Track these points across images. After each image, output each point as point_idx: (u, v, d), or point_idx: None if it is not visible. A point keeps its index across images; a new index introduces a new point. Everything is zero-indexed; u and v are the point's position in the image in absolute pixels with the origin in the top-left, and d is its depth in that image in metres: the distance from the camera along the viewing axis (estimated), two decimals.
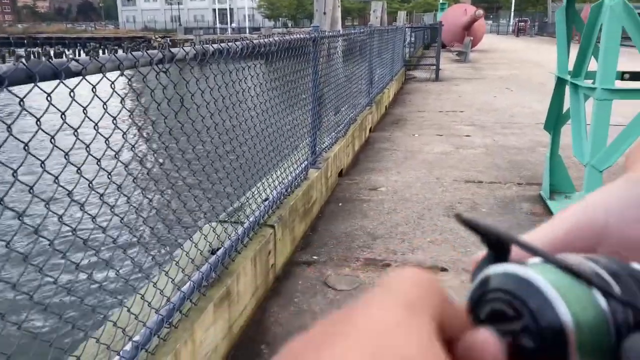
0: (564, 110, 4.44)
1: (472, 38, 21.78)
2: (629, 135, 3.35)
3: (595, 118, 3.36)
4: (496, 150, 6.48)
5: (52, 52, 46.18)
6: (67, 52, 45.26)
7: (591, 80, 3.70)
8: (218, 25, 65.84)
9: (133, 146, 1.73)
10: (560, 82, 4.30)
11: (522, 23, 56.08)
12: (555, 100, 4.41)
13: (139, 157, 1.76)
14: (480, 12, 22.58)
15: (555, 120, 4.46)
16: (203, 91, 2.26)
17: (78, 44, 52.15)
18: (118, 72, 1.59)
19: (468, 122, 8.25)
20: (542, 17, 60.30)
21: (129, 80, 1.66)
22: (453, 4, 34.52)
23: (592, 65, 3.77)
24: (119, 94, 1.66)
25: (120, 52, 1.55)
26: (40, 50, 47.42)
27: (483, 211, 4.39)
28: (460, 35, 22.68)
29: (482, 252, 0.28)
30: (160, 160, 1.93)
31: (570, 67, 4.03)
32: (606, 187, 0.33)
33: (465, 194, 4.82)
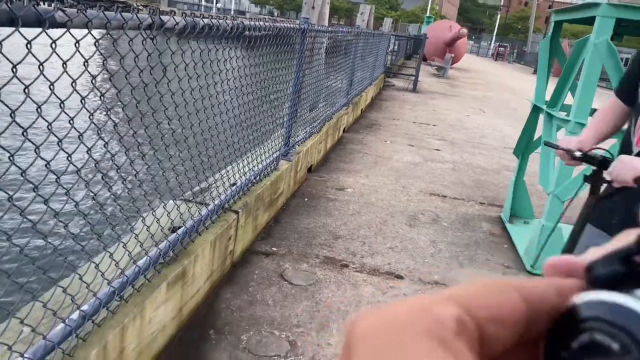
0: (535, 137, 4.55)
1: (453, 55, 22.12)
2: None
3: None
4: (463, 167, 6.59)
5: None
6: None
7: (565, 113, 3.80)
8: (203, 2, 64.69)
9: (109, 110, 1.66)
10: (535, 110, 4.40)
11: (502, 48, 57.41)
12: (528, 126, 4.51)
13: (114, 121, 1.69)
14: (465, 30, 22.94)
15: (525, 146, 4.57)
16: (177, 65, 2.18)
17: None
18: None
19: (439, 137, 8.37)
20: (521, 45, 61.85)
21: (97, 41, 1.57)
22: (439, 19, 34.98)
23: (568, 98, 3.88)
24: (102, 54, 1.58)
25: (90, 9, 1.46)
26: None
27: (444, 225, 4.46)
28: (442, 50, 23.01)
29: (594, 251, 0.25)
30: (133, 129, 1.86)
31: (547, 97, 4.13)
32: None
33: (429, 206, 4.88)
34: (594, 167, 1.61)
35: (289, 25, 3.86)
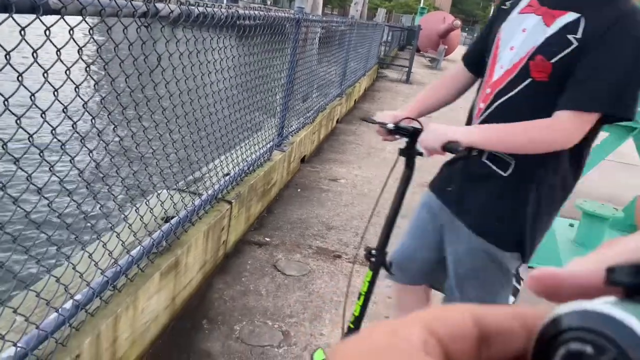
0: None
1: (446, 47, 22.09)
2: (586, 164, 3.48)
3: None
4: None
5: None
6: None
7: None
8: None
9: (103, 98, 1.64)
10: None
11: None
12: None
13: (108, 110, 1.68)
14: (458, 22, 22.89)
15: None
16: (171, 54, 2.16)
17: None
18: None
19: None
20: None
21: (91, 28, 1.55)
22: (432, 10, 34.87)
23: None
24: (95, 41, 1.57)
25: None
26: None
27: None
28: (435, 42, 22.96)
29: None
30: (127, 118, 1.84)
31: None
32: None
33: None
34: (406, 140, 1.58)
35: (283, 14, 3.83)
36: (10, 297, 1.58)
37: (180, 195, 2.65)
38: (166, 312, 2.44)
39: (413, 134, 1.52)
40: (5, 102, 1.22)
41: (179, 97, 2.35)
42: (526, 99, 1.43)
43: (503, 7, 1.61)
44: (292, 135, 4.84)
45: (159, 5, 1.83)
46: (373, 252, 1.63)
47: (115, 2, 1.53)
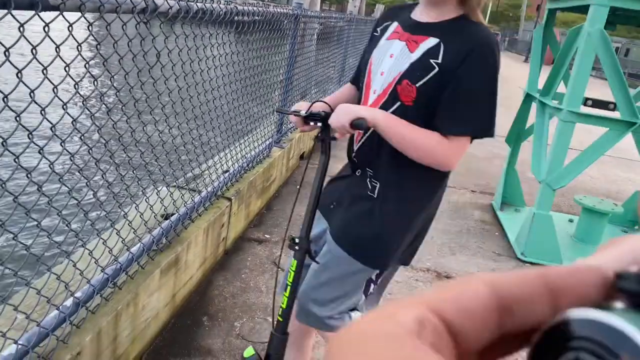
0: (527, 126, 4.57)
1: None
2: (585, 159, 3.48)
3: (556, 138, 3.47)
4: None
5: None
6: None
7: (558, 101, 3.82)
8: None
9: (102, 95, 1.63)
10: (527, 98, 4.42)
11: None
12: (521, 115, 4.53)
13: (107, 106, 1.67)
14: None
15: (517, 134, 4.59)
16: (170, 51, 2.15)
17: None
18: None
19: None
20: (512, 33, 61.87)
21: (90, 25, 1.55)
22: None
23: (561, 87, 3.89)
24: (95, 38, 1.56)
25: None
26: None
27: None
28: None
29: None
30: (127, 116, 1.83)
31: (540, 85, 4.15)
32: None
33: None
34: (320, 125, 1.59)
35: (281, 10, 3.82)
36: (11, 294, 1.57)
37: (180, 192, 2.65)
38: (166, 309, 2.43)
39: (325, 119, 1.53)
40: (5, 99, 1.21)
41: (178, 94, 2.34)
42: None
43: (375, 33, 1.67)
44: (291, 132, 4.83)
45: (158, 1, 1.82)
46: (296, 240, 1.62)
47: None
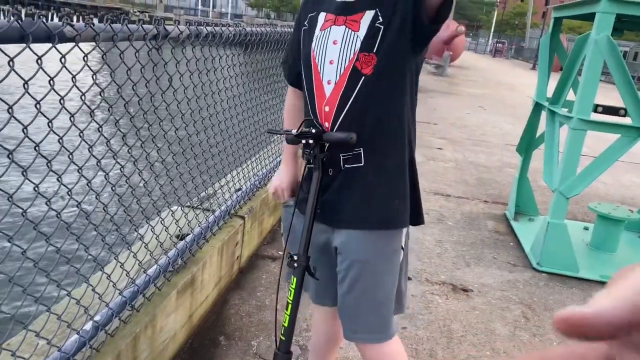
0: (538, 134, 4.56)
1: (451, 53, 22.11)
2: (598, 167, 3.46)
3: (568, 146, 3.46)
4: (466, 166, 6.59)
5: (23, 13, 44.42)
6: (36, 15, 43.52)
7: (567, 109, 3.81)
8: (200, 7, 64.77)
9: (117, 121, 1.67)
10: (537, 107, 4.41)
11: (500, 45, 57.40)
12: (531, 124, 4.52)
13: (122, 132, 1.70)
14: (462, 28, 22.91)
15: (527, 143, 4.57)
16: (182, 74, 2.18)
17: (52, 7, 50.40)
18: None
19: (440, 135, 8.37)
20: (519, 41, 61.86)
21: (104, 54, 1.59)
22: None
23: (570, 95, 3.89)
24: (109, 66, 1.60)
25: (96, 21, 1.48)
26: (9, 8, 45.48)
27: (449, 224, 4.46)
28: (440, 48, 22.99)
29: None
30: (141, 139, 1.87)
31: (549, 93, 4.14)
32: None
33: (433, 206, 4.89)
34: (310, 141, 1.58)
35: (288, 30, 3.87)
36: (32, 320, 1.59)
37: (194, 212, 2.67)
38: (184, 329, 2.44)
39: (317, 136, 1.55)
40: (25, 130, 1.25)
41: (191, 116, 2.37)
42: (370, 94, 1.52)
43: (304, 27, 1.67)
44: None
45: (169, 27, 1.86)
46: (295, 257, 1.62)
47: (127, 26, 1.56)
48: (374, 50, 1.48)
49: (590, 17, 3.42)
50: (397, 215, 1.62)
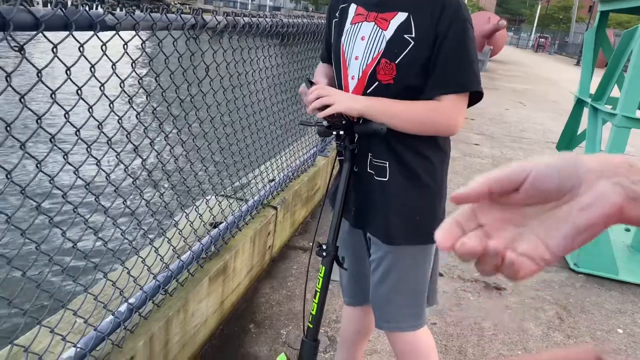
0: (580, 132, 4.42)
1: (492, 47, 21.64)
2: None
3: (611, 145, 3.34)
4: (503, 162, 6.44)
5: (69, 2, 45.62)
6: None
7: (611, 106, 3.68)
8: None
9: (155, 109, 1.70)
10: (579, 103, 4.28)
11: (543, 39, 55.81)
12: (572, 120, 4.39)
13: (159, 120, 1.74)
14: (504, 22, 22.36)
15: (569, 140, 4.44)
16: (219, 64, 2.21)
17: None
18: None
19: (478, 131, 8.22)
20: (563, 36, 59.99)
21: (143, 42, 1.61)
22: (477, 11, 34.24)
23: (614, 91, 3.75)
24: (147, 54, 1.63)
25: (137, 12, 1.51)
26: None
27: None
28: (480, 43, 22.52)
29: None
30: (177, 127, 1.90)
31: (592, 89, 4.01)
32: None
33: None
34: (341, 132, 1.55)
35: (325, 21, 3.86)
36: (71, 299, 1.65)
37: (227, 201, 2.71)
38: (215, 315, 2.49)
39: (349, 127, 1.53)
40: (66, 115, 1.29)
41: (226, 106, 2.40)
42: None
43: (334, 19, 1.65)
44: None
45: (207, 17, 1.88)
46: (324, 247, 1.61)
47: (166, 16, 1.59)
48: (396, 62, 1.45)
49: (638, 12, 3.29)
50: (424, 232, 1.59)
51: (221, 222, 2.59)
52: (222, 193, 2.95)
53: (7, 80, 1.09)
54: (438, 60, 1.43)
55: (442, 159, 1.60)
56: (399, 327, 1.69)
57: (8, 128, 1.10)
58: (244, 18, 2.21)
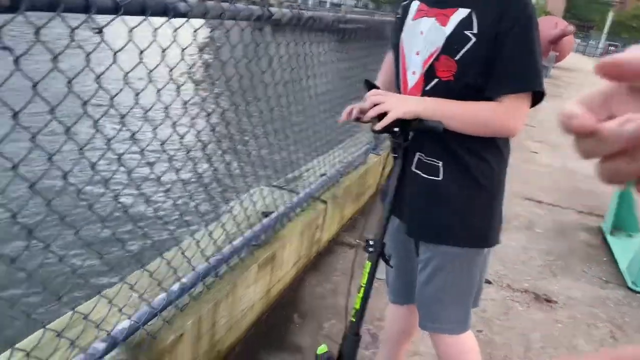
0: None
1: (557, 54, 20.86)
2: None
3: None
4: (562, 172, 6.22)
5: None
6: None
7: None
8: None
9: (217, 97, 1.75)
10: None
11: (613, 48, 53.28)
12: None
13: (221, 108, 1.79)
14: (572, 28, 21.48)
15: None
16: (280, 57, 2.24)
17: None
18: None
19: (538, 139, 7.96)
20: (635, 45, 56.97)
21: (212, 31, 1.66)
22: (544, 15, 33.06)
23: None
24: (215, 43, 1.68)
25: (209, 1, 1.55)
26: None
27: (538, 231, 4.25)
28: (545, 48, 21.74)
29: None
30: (237, 115, 1.95)
31: None
32: None
33: (523, 210, 4.67)
34: (396, 129, 1.51)
35: (387, 19, 3.84)
36: (128, 274, 1.73)
37: (280, 192, 2.75)
38: (261, 302, 2.54)
39: (405, 124, 1.50)
40: (136, 95, 1.35)
41: (285, 99, 2.44)
42: (447, 98, 1.46)
43: (398, 16, 1.64)
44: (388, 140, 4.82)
45: (273, 10, 1.91)
46: (370, 242, 1.59)
47: (235, 5, 1.63)
48: (457, 58, 1.42)
49: None
50: (477, 235, 1.57)
51: (272, 212, 2.63)
52: (275, 184, 3.00)
53: (86, 60, 1.15)
54: (499, 58, 1.40)
55: (499, 160, 1.57)
56: (443, 329, 1.67)
57: (86, 104, 1.16)
58: (308, 12, 2.23)
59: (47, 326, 1.37)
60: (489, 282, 3.27)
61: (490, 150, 1.53)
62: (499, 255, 3.64)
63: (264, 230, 2.45)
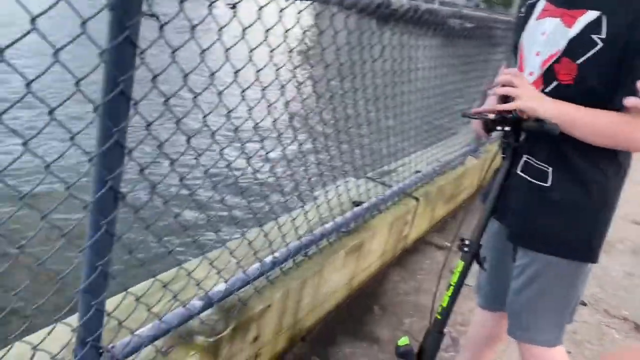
0: None
1: None
2: None
3: None
4: None
5: None
6: None
7: None
8: None
9: (315, 82, 1.80)
10: None
11: None
12: None
13: (317, 94, 1.83)
14: None
15: None
16: (384, 47, 2.22)
17: None
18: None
19: None
20: None
21: (317, 15, 1.69)
22: None
23: None
24: (318, 27, 1.72)
25: None
26: None
27: None
28: None
29: None
30: (334, 105, 1.98)
31: None
32: None
33: (630, 234, 4.33)
34: (507, 128, 1.43)
35: (502, 17, 3.71)
36: (228, 241, 1.84)
37: (373, 183, 2.77)
38: (344, 289, 2.58)
39: (517, 122, 1.40)
40: (236, 73, 1.42)
41: (384, 91, 2.44)
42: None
43: (520, 14, 1.55)
44: (490, 143, 4.66)
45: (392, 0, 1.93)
46: (466, 242, 1.52)
47: None
48: (579, 62, 1.34)
49: None
50: (582, 248, 1.49)
51: (363, 202, 2.65)
52: (369, 175, 3.02)
53: (218, 34, 1.23)
54: (633, 69, 1.29)
55: (617, 172, 1.47)
56: (533, 339, 1.61)
57: (213, 76, 1.25)
58: (425, 5, 2.22)
59: (157, 277, 1.49)
60: (584, 303, 3.08)
61: (608, 161, 1.44)
62: (597, 277, 3.42)
63: (354, 218, 2.48)
